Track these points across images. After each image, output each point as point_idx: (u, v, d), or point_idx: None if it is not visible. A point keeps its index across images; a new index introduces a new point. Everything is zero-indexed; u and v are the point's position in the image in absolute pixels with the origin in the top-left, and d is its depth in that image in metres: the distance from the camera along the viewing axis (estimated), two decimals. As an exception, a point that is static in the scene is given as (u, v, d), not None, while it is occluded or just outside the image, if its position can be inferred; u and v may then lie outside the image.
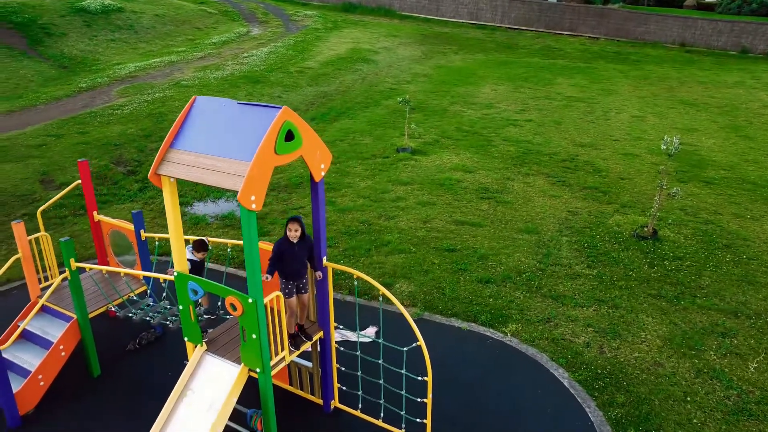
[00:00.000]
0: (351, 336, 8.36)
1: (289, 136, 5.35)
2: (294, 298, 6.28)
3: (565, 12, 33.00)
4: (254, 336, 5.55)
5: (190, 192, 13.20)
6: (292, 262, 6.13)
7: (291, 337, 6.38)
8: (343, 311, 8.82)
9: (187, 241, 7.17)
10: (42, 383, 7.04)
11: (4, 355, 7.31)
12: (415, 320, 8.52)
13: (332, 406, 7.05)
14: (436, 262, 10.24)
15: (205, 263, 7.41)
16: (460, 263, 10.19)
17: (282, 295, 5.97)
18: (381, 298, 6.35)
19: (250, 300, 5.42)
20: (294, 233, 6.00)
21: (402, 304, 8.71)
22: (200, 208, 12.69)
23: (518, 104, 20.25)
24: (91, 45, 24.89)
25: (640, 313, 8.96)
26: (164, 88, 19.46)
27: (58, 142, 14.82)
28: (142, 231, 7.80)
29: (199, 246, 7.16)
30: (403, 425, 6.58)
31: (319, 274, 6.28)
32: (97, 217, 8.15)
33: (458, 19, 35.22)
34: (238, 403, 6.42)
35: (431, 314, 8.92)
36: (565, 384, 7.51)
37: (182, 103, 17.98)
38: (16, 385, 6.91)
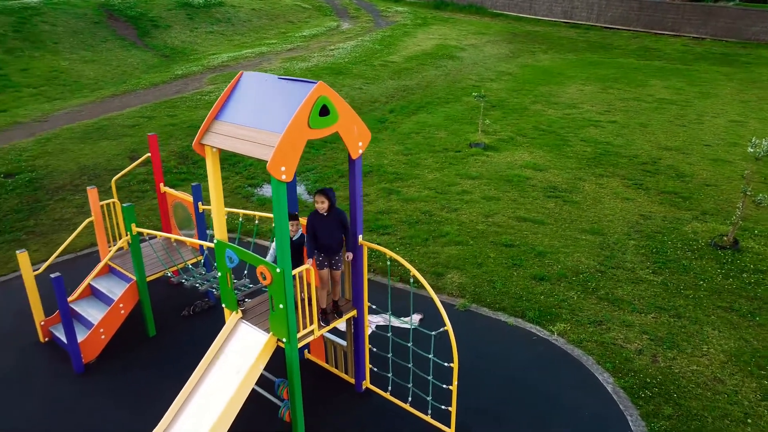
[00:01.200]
0: (395, 321, 8.39)
1: (324, 111, 5.45)
2: (326, 271, 6.38)
3: (668, 11, 31.12)
4: (281, 306, 5.71)
5: (261, 174, 13.73)
6: (323, 235, 6.22)
7: (322, 312, 6.50)
8: (377, 294, 8.90)
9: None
10: (103, 336, 7.61)
11: (75, 308, 8.01)
12: (461, 311, 8.49)
13: (364, 387, 7.12)
14: (491, 255, 10.05)
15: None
16: (516, 259, 9.93)
17: (313, 269, 6.09)
18: (412, 280, 6.31)
19: (278, 270, 5.58)
20: (321, 205, 6.09)
21: (450, 294, 8.70)
22: (269, 191, 13.13)
23: (603, 105, 19.38)
24: (191, 36, 26.44)
25: (706, 325, 8.35)
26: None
27: (149, 123, 15.89)
28: (200, 203, 8.23)
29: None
30: (429, 411, 6.53)
31: (349, 255, 6.34)
32: (163, 189, 8.68)
33: (551, 18, 34.17)
34: (269, 372, 6.65)
35: (478, 306, 8.77)
36: (609, 389, 7.15)
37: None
38: (82, 335, 7.52)
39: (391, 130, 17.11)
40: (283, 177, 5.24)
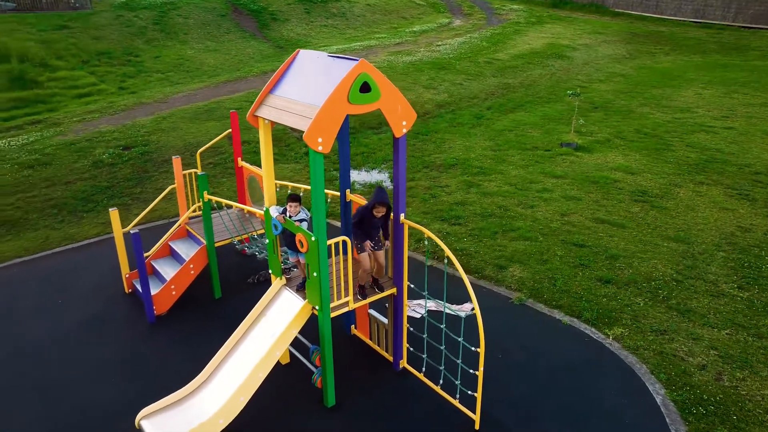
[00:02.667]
0: (453, 308, 8.43)
1: (365, 87, 5.64)
2: (366, 253, 6.57)
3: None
4: (315, 274, 5.99)
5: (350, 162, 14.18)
6: (370, 229, 6.45)
7: (361, 287, 6.70)
8: (441, 284, 8.94)
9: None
10: (174, 292, 8.35)
11: (155, 266, 8.84)
12: (516, 305, 8.35)
13: (401, 366, 7.24)
14: (558, 254, 9.73)
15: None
16: (585, 259, 9.54)
17: (349, 240, 6.30)
18: (446, 260, 6.32)
19: (313, 238, 5.86)
20: (378, 212, 6.29)
21: (509, 288, 8.59)
22: (354, 176, 13.54)
23: (722, 110, 17.86)
24: (307, 29, 27.70)
25: (789, 349, 7.56)
26: (354, 69, 20.95)
27: (249, 107, 16.92)
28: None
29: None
30: (458, 395, 6.52)
31: (387, 243, 6.50)
32: (241, 163, 9.31)
33: (679, 17, 31.85)
34: (306, 339, 6.98)
35: (534, 302, 8.56)
36: (658, 400, 6.72)
37: (365, 83, 19.23)
38: (156, 289, 8.31)
39: (485, 126, 16.96)
40: (320, 148, 5.50)
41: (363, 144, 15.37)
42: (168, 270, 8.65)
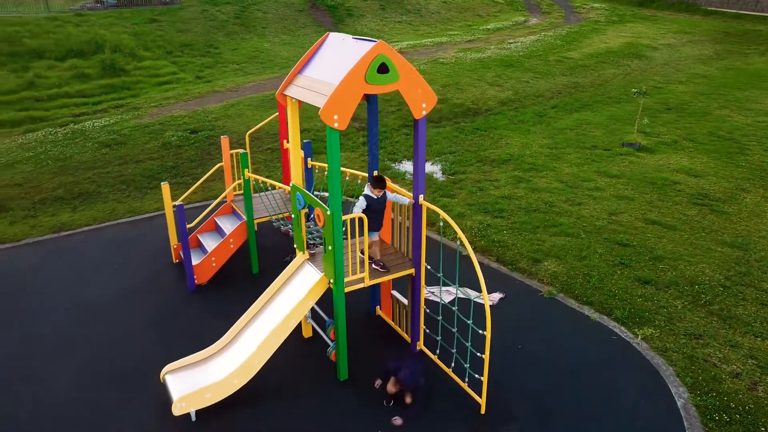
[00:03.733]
0: (472, 294, 8.44)
1: (383, 68, 5.79)
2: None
3: None
4: (330, 248, 6.21)
5: (402, 151, 14.36)
6: (376, 214, 6.71)
7: (381, 263, 6.86)
8: (469, 270, 8.98)
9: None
10: (214, 264, 8.85)
11: (200, 239, 9.40)
12: (546, 298, 8.25)
13: (418, 347, 7.34)
14: (599, 251, 9.47)
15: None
16: (626, 258, 9.24)
17: (366, 218, 6.47)
18: (459, 243, 6.35)
19: (328, 212, 6.09)
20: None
21: (541, 281, 8.50)
22: (405, 167, 13.69)
23: (812, 115, 16.58)
24: (380, 25, 28.09)
25: (839, 365, 7.03)
26: (421, 63, 21.10)
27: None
28: (309, 159, 9.07)
29: (377, 183, 6.87)
30: (466, 379, 6.55)
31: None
32: (286, 145, 9.69)
33: (780, 17, 29.68)
34: (326, 313, 7.22)
35: (565, 297, 8.40)
36: (679, 404, 6.45)
37: (430, 77, 19.34)
38: (197, 260, 8.84)
39: (545, 124, 16.63)
40: (336, 125, 5.71)
41: (420, 137, 15.46)
42: (211, 243, 9.17)
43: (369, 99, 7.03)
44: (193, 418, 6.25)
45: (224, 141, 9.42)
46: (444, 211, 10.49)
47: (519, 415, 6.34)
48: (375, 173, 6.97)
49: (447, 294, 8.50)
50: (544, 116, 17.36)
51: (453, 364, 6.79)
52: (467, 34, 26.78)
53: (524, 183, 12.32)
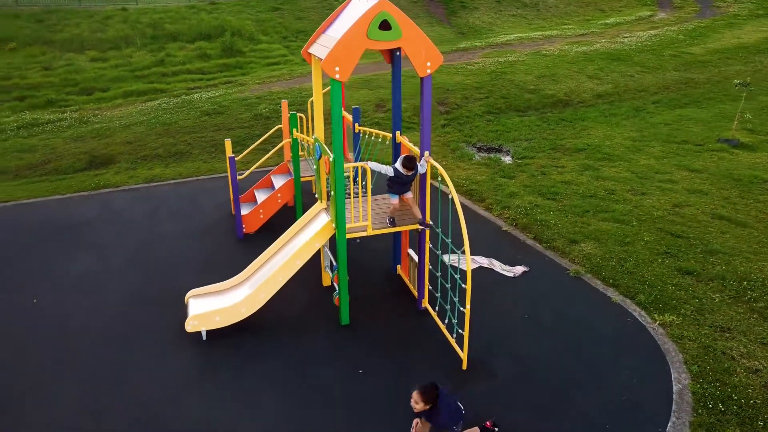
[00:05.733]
0: (496, 266, 8.49)
1: (385, 25, 6.11)
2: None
3: None
4: (332, 192, 6.66)
5: (478, 134, 14.41)
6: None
7: (391, 219, 7.17)
8: (504, 244, 9.04)
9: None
10: (261, 216, 9.66)
11: (256, 193, 10.26)
12: (570, 276, 8.12)
13: (423, 305, 7.56)
14: (646, 239, 9.02)
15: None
16: (674, 248, 8.73)
17: (369, 167, 6.81)
18: (450, 197, 6.46)
19: (331, 158, 6.54)
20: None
21: (572, 261, 8.38)
22: (475, 152, 13.75)
23: None
24: (494, 18, 27.90)
25: None
26: (522, 55, 20.78)
27: (407, 80, 17.73)
28: (356, 124, 9.57)
29: (407, 162, 6.92)
30: (454, 335, 6.68)
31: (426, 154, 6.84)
32: (343, 113, 10.26)
33: None
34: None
35: (592, 277, 8.16)
36: (675, 388, 6.12)
37: (527, 68, 19.05)
38: (247, 211, 9.69)
39: (640, 118, 15.81)
40: (337, 76, 6.14)
41: (502, 123, 15.40)
42: (261, 196, 9.99)
43: (393, 62, 7.34)
44: (204, 337, 7.01)
45: (284, 104, 10.20)
46: (498, 190, 10.62)
47: (500, 374, 6.38)
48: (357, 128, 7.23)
49: (472, 262, 8.60)
50: (641, 111, 16.47)
51: (446, 321, 6.95)
52: (582, 29, 25.80)
53: (591, 171, 11.91)
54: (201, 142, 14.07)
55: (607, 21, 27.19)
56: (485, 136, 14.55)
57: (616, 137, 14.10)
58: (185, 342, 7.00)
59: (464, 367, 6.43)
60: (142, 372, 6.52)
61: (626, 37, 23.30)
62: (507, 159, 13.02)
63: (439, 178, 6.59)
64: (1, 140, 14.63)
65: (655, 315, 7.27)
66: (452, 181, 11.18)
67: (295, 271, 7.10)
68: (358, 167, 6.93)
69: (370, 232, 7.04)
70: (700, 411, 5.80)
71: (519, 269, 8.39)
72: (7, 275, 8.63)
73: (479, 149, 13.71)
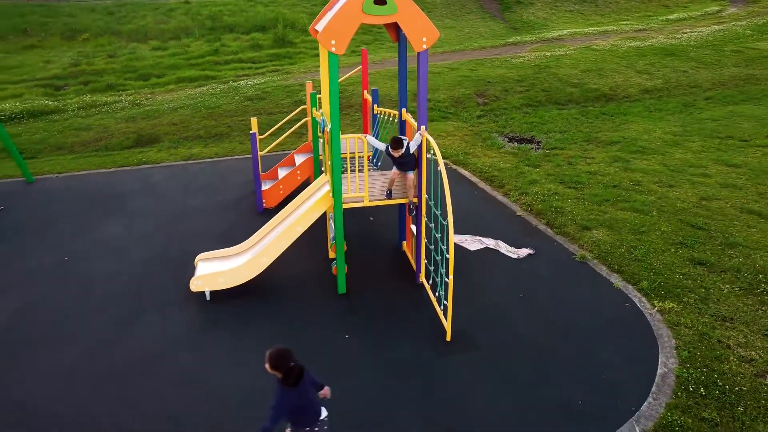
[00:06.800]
0: (502, 247, 8.50)
1: (381, 0, 6.28)
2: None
3: None
4: (329, 162, 6.90)
5: (511, 125, 14.32)
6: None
7: (388, 192, 7.35)
8: (515, 227, 9.04)
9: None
10: (281, 191, 10.03)
11: (279, 171, 10.65)
12: (575, 261, 8.04)
13: (420, 279, 7.68)
14: (663, 229, 8.78)
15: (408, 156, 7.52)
16: (692, 240, 8.46)
17: (364, 138, 7.02)
18: (431, 154, 6.48)
19: (328, 128, 6.78)
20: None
21: (580, 246, 8.32)
22: (506, 142, 13.67)
23: None
24: (549, 14, 27.41)
25: None
26: (571, 49, 20.36)
27: (449, 72, 17.99)
28: (375, 105, 9.77)
29: (394, 144, 7.18)
30: (442, 306, 6.77)
31: (423, 130, 6.94)
32: (366, 96, 10.50)
33: None
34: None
35: (597, 263, 8.04)
36: (659, 371, 6.00)
37: (573, 61, 18.69)
38: (267, 187, 10.08)
39: (687, 114, 15.26)
40: (333, 49, 6.36)
41: (539, 115, 15.23)
42: (284, 174, 10.36)
43: (399, 40, 7.50)
44: (208, 297, 7.41)
45: (308, 86, 10.53)
46: (519, 178, 10.61)
47: (483, 347, 6.43)
48: (376, 109, 7.44)
49: (478, 242, 8.66)
50: (690, 107, 15.88)
51: (437, 294, 7.05)
52: (640, 24, 24.96)
53: (620, 163, 11.63)
54: (240, 125, 14.65)
55: (669, 17, 26.17)
56: (519, 127, 14.43)
57: (656, 131, 13.68)
58: (191, 301, 7.42)
59: (448, 338, 6.52)
60: (146, 324, 6.99)
61: (685, 33, 22.39)
62: (536, 149, 12.88)
63: (432, 151, 6.69)
64: (62, 119, 15.74)
65: (655, 301, 7.11)
66: (476, 167, 11.35)
67: (296, 237, 7.40)
68: (355, 138, 7.13)
69: (367, 203, 7.24)
70: (679, 393, 5.67)
71: (524, 251, 8.37)
72: (48, 235, 9.37)
73: (510, 139, 13.62)
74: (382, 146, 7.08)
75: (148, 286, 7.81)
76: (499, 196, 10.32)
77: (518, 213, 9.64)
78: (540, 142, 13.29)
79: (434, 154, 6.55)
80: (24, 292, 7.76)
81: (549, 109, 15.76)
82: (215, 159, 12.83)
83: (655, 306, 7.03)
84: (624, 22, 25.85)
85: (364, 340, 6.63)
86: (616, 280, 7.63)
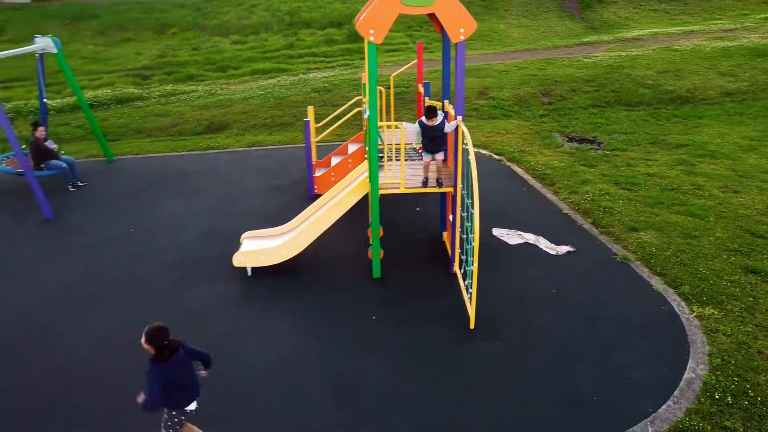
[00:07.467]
0: (542, 243, 8.42)
1: (420, -10, 6.42)
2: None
3: None
4: (367, 148, 7.11)
5: (573, 125, 14.00)
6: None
7: (424, 180, 7.49)
8: (558, 225, 8.95)
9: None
10: (333, 178, 10.35)
11: (332, 159, 10.99)
12: (617, 261, 7.88)
13: (454, 269, 7.75)
14: (718, 234, 8.38)
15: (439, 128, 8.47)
16: (749, 247, 8.03)
17: (401, 126, 7.18)
18: (468, 151, 6.55)
19: (366, 115, 6.98)
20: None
21: (624, 247, 8.18)
22: (564, 141, 13.38)
23: None
24: (631, 12, 26.35)
25: None
26: (649, 49, 19.51)
27: (516, 71, 17.76)
28: (427, 98, 9.90)
29: (428, 112, 7.46)
30: (469, 294, 6.82)
31: (459, 118, 7.00)
32: (420, 89, 10.64)
33: None
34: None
35: (639, 265, 7.80)
36: (685, 376, 5.79)
37: (652, 62, 17.96)
38: (320, 173, 10.45)
39: (771, 117, 14.32)
40: (372, 38, 6.57)
41: (605, 116, 14.79)
42: (335, 161, 10.68)
43: (443, 32, 7.60)
44: (249, 273, 7.83)
45: (363, 76, 10.78)
46: (572, 177, 10.49)
47: (505, 337, 6.44)
48: (426, 101, 7.57)
49: (518, 237, 8.61)
50: (775, 111, 14.88)
51: (466, 282, 7.10)
52: (733, 24, 23.49)
53: (684, 166, 11.14)
54: (305, 115, 15.11)
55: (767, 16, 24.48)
56: (582, 127, 14.08)
57: (731, 135, 12.96)
58: (233, 275, 7.86)
59: (472, 326, 6.58)
60: (189, 293, 7.49)
61: (782, 34, 20.89)
62: (596, 150, 12.53)
63: (465, 142, 6.74)
64: (145, 106, 16.88)
65: (695, 307, 6.83)
66: (529, 165, 11.26)
67: (333, 221, 7.68)
68: (393, 127, 7.31)
69: (402, 189, 7.40)
70: (703, 400, 5.46)
71: (563, 248, 8.24)
72: (119, 209, 10.18)
73: (570, 139, 13.32)
74: (416, 127, 7.30)
75: (197, 259, 8.34)
76: (548, 194, 10.16)
77: (564, 211, 9.47)
78: (601, 142, 12.92)
79: (466, 144, 6.62)
80: (92, 257, 8.52)
81: (617, 110, 15.25)
82: (277, 146, 13.38)
83: (693, 311, 6.75)
84: (714, 22, 24.43)
85: (389, 322, 6.80)
86: (656, 282, 7.38)
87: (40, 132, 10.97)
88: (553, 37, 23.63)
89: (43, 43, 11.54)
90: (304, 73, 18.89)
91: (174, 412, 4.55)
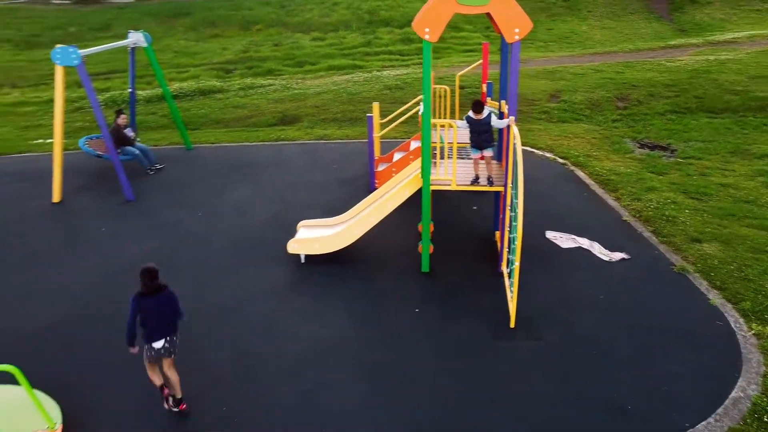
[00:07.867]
0: (595, 249, 8.26)
1: (475, -10, 6.48)
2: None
3: None
4: (420, 144, 7.26)
5: (646, 131, 13.51)
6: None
7: (475, 178, 7.55)
8: (616, 231, 8.76)
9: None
10: (394, 174, 10.53)
11: (395, 155, 11.19)
12: (674, 272, 7.67)
13: (501, 268, 7.75)
14: (789, 252, 7.90)
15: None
16: (820, 266, 7.54)
17: (455, 124, 7.27)
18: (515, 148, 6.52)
19: (420, 111, 7.12)
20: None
21: (684, 258, 7.94)
22: (634, 146, 12.92)
23: None
24: (728, 14, 24.88)
25: None
26: (742, 53, 18.36)
27: (592, 74, 17.27)
28: (488, 98, 9.91)
29: (475, 106, 7.48)
30: (511, 292, 6.80)
31: (512, 118, 7.00)
32: (483, 88, 10.64)
33: None
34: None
35: (698, 277, 7.50)
36: (732, 394, 5.56)
37: (744, 67, 16.97)
38: (382, 168, 10.67)
39: None
40: (427, 36, 6.71)
41: (684, 123, 14.14)
42: (398, 156, 10.86)
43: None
44: (302, 260, 8.17)
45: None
46: (637, 184, 10.26)
47: (545, 338, 6.41)
48: (488, 102, 7.61)
49: (571, 241, 8.49)
50: None
51: (510, 281, 7.09)
52: (841, 28, 21.73)
53: (765, 177, 10.52)
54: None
55: None
56: (656, 134, 13.54)
57: (820, 147, 12.08)
58: (288, 261, 8.23)
59: (512, 324, 6.58)
60: (244, 275, 7.92)
61: None
62: (669, 157, 12.03)
63: (515, 142, 6.73)
64: (225, 98, 17.77)
65: (754, 324, 6.50)
66: (593, 170, 11.04)
67: (386, 214, 7.89)
68: (446, 125, 7.41)
69: (454, 186, 7.48)
70: (749, 421, 5.23)
71: (618, 255, 8.04)
72: (191, 193, 10.86)
73: (642, 145, 12.84)
74: (464, 123, 7.42)
75: (256, 243, 8.78)
76: (610, 200, 9.90)
77: (624, 218, 9.20)
78: (675, 150, 12.38)
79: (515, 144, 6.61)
80: (161, 236, 9.16)
81: (698, 117, 14.52)
82: (345, 140, 13.74)
83: (752, 329, 6.44)
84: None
85: (432, 315, 6.92)
86: (714, 296, 7.07)
87: (122, 119, 11.85)
88: (636, 40, 22.73)
89: (135, 37, 12.46)
90: (378, 71, 19.21)
91: (146, 345, 5.29)
